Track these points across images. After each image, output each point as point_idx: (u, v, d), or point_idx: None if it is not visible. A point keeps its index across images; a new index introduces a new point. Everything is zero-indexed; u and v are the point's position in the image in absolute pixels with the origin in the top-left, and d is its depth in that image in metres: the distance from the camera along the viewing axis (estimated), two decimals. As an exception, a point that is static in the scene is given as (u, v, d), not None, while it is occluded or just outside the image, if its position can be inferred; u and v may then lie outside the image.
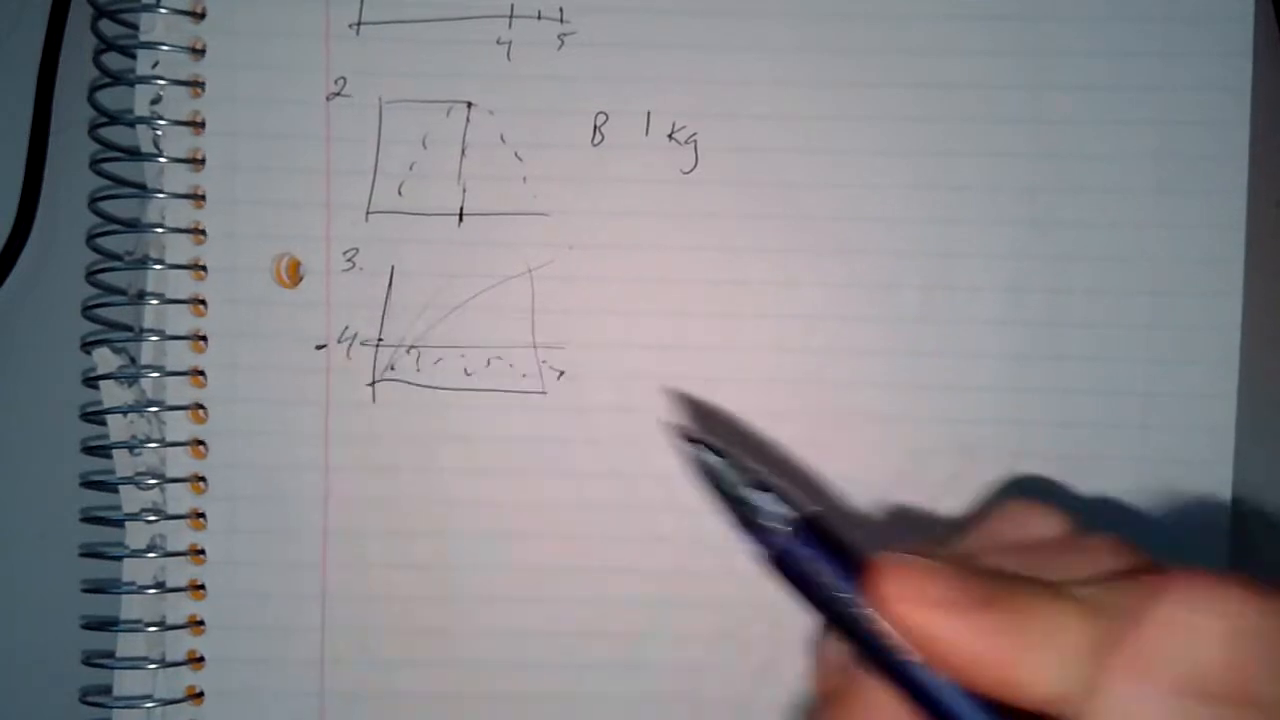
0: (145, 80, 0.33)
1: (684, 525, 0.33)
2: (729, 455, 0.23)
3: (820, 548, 0.22)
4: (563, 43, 0.33)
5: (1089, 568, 0.22)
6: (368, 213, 0.33)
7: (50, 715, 0.34)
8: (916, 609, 0.20)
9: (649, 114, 0.33)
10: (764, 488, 0.22)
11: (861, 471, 0.32)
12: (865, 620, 0.21)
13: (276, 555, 0.33)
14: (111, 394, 0.33)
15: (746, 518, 0.22)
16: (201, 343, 0.33)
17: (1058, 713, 0.20)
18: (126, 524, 0.33)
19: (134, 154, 0.33)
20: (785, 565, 0.22)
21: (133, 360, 0.33)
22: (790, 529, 0.22)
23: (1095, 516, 0.32)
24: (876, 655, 0.21)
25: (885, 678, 0.21)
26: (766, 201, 0.33)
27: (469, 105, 0.33)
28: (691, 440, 0.23)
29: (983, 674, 0.20)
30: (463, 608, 0.33)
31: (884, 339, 0.32)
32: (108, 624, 0.33)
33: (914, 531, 0.32)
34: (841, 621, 0.22)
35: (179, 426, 0.33)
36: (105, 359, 0.33)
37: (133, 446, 0.33)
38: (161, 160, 0.33)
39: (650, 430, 0.33)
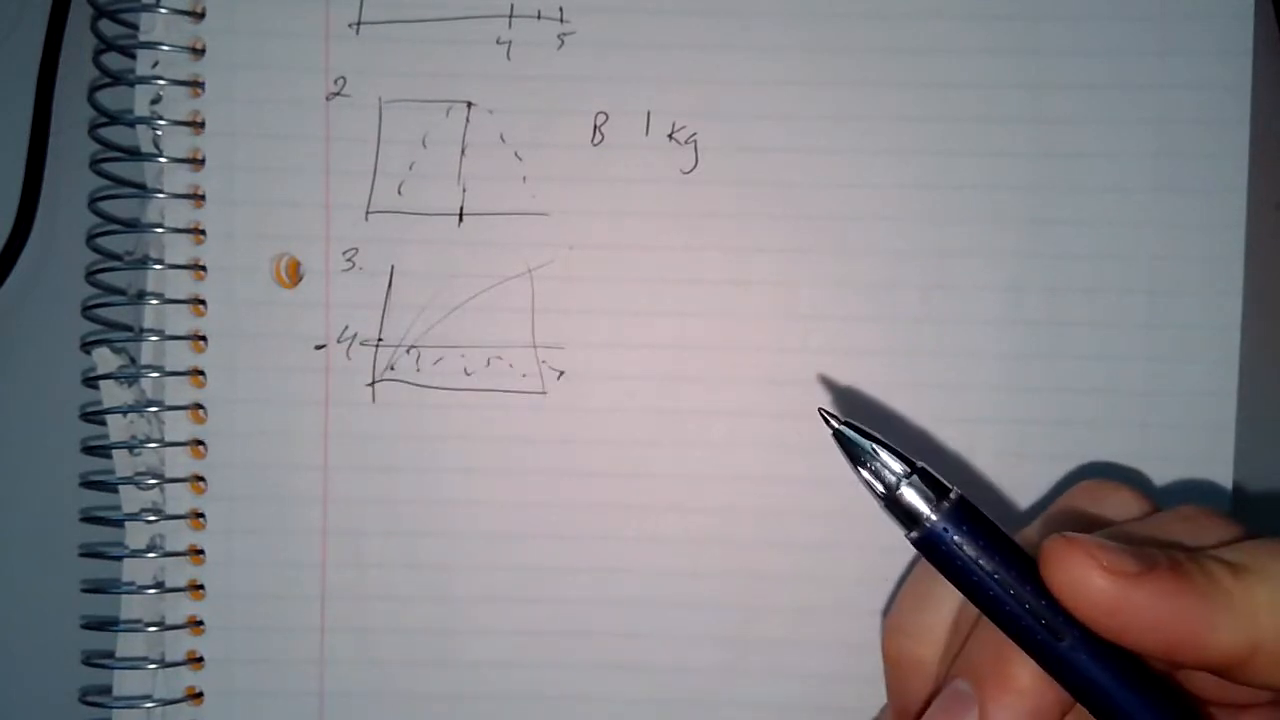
0: (145, 80, 0.33)
1: (684, 525, 0.33)
2: (876, 439, 0.23)
3: (972, 530, 0.22)
4: (563, 43, 0.33)
5: (1202, 535, 0.23)
6: (367, 213, 0.33)
7: (50, 715, 0.34)
8: (1098, 580, 0.21)
9: (649, 114, 0.33)
10: (912, 471, 0.22)
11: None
12: (1020, 600, 0.22)
13: (276, 555, 0.33)
14: (111, 394, 0.33)
15: (895, 501, 0.22)
16: (201, 343, 0.33)
17: (1224, 671, 0.21)
18: (126, 524, 0.33)
19: (134, 154, 0.33)
20: (936, 548, 0.22)
21: (132, 360, 0.33)
22: (940, 512, 0.22)
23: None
24: (1031, 637, 0.22)
25: (1038, 658, 0.22)
26: (766, 201, 0.33)
27: (469, 105, 0.33)
28: (839, 423, 0.23)
29: (1164, 638, 0.21)
30: (463, 608, 0.33)
31: (884, 339, 0.32)
32: (107, 624, 0.33)
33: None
34: (997, 604, 0.22)
35: (178, 426, 0.33)
36: (105, 359, 0.33)
37: (132, 446, 0.33)
38: (161, 160, 0.33)
39: (650, 430, 0.33)
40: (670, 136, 0.33)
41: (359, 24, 0.33)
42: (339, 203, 0.33)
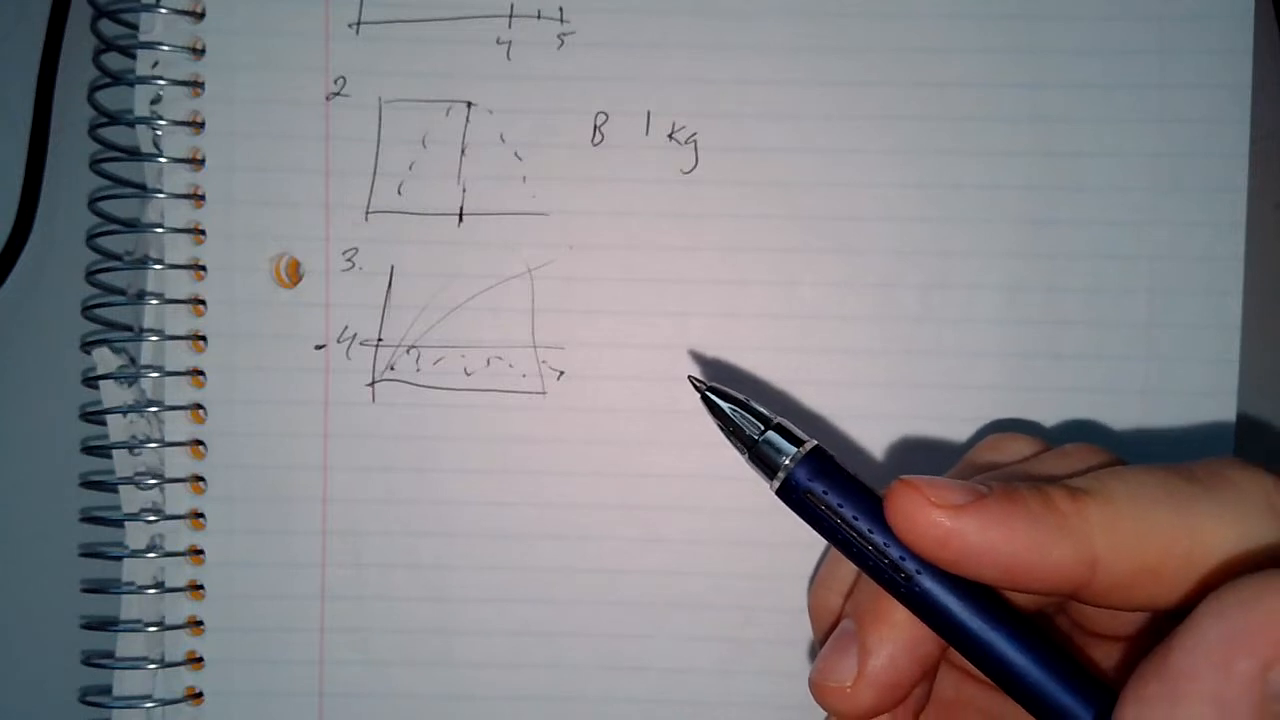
0: (145, 80, 0.33)
1: (684, 525, 0.33)
2: (738, 399, 0.24)
3: (826, 478, 0.23)
4: (563, 43, 0.33)
5: (1073, 468, 0.24)
6: (367, 213, 0.33)
7: (50, 715, 0.34)
8: (932, 516, 0.22)
9: (649, 114, 0.33)
10: (770, 427, 0.24)
11: (860, 471, 0.32)
12: (872, 542, 0.23)
13: (276, 555, 0.33)
14: (111, 394, 0.33)
15: (757, 454, 0.24)
16: (201, 343, 0.33)
17: (1064, 590, 0.22)
18: (126, 524, 0.33)
19: (134, 154, 0.33)
20: (794, 496, 0.23)
21: (132, 360, 0.33)
22: (796, 462, 0.23)
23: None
24: (883, 575, 0.23)
25: (895, 596, 0.23)
26: (766, 201, 0.33)
27: (469, 105, 0.33)
28: (705, 387, 0.25)
29: (998, 564, 0.22)
30: (462, 608, 0.33)
31: (883, 338, 0.32)
32: (107, 624, 0.33)
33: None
34: (849, 546, 0.23)
35: (178, 427, 0.33)
36: (105, 359, 0.33)
37: (132, 446, 0.33)
38: (161, 160, 0.33)
39: (650, 430, 0.33)
40: (670, 136, 0.33)
41: (359, 24, 0.33)
42: (339, 203, 0.33)
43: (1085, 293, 0.32)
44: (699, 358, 0.33)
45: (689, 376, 0.25)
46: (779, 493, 0.24)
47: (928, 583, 0.22)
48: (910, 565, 0.22)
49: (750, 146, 0.32)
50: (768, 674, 0.33)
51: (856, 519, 0.23)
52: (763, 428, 0.24)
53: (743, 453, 0.24)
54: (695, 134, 0.33)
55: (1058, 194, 0.32)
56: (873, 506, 0.23)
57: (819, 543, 0.33)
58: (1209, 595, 0.19)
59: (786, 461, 0.23)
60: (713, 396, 0.24)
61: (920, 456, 0.32)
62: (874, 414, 0.32)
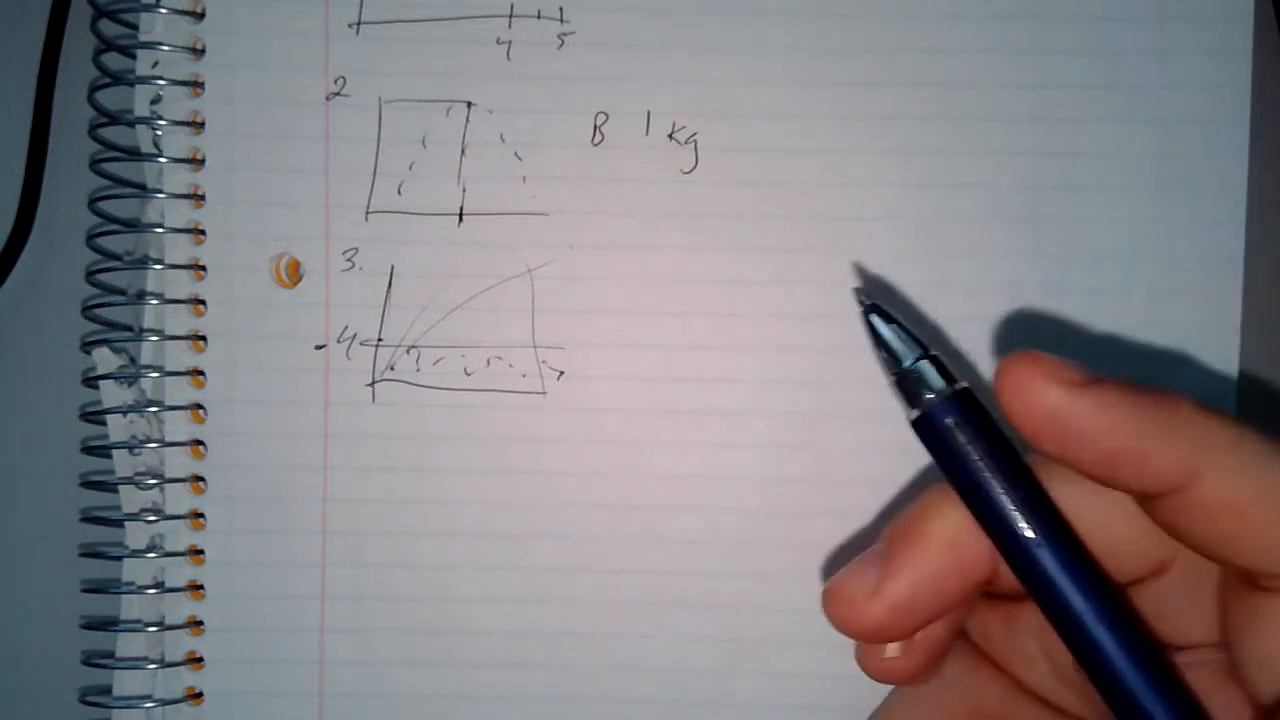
0: (145, 80, 0.33)
1: (684, 526, 0.33)
2: (900, 323, 0.24)
3: (968, 420, 0.23)
4: (563, 42, 0.33)
5: None
6: (367, 213, 0.33)
7: (50, 715, 0.34)
8: (1045, 387, 0.21)
9: (649, 114, 0.33)
10: (926, 357, 0.23)
11: (861, 471, 0.32)
12: (998, 489, 0.22)
13: (276, 556, 0.33)
14: (111, 394, 0.33)
15: (904, 381, 0.23)
16: (201, 343, 0.33)
17: (1164, 497, 0.21)
18: (126, 524, 0.33)
19: (134, 154, 0.33)
20: (929, 430, 0.23)
21: (132, 360, 0.33)
22: (940, 398, 0.23)
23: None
24: (1003, 526, 0.22)
25: (1009, 553, 0.22)
26: (766, 201, 0.33)
27: (469, 105, 0.33)
28: (868, 305, 0.24)
29: (1106, 450, 0.21)
30: (462, 608, 0.33)
31: (884, 338, 0.32)
32: (108, 624, 0.33)
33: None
34: (974, 493, 0.23)
35: (178, 427, 0.33)
36: (105, 359, 0.33)
37: (132, 446, 0.33)
38: (161, 160, 0.33)
39: (650, 430, 0.33)
40: (670, 136, 0.33)
41: (359, 24, 0.33)
42: (339, 203, 0.33)
43: (1085, 293, 0.32)
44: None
45: (854, 288, 0.25)
46: (915, 423, 0.23)
47: (1046, 553, 0.22)
48: (1031, 531, 0.22)
49: (750, 146, 0.32)
50: (768, 674, 0.33)
51: (990, 469, 0.22)
52: (916, 355, 0.23)
53: (891, 375, 0.24)
54: (695, 134, 0.33)
55: (1058, 194, 0.32)
56: (1013, 462, 0.23)
57: (819, 543, 0.33)
58: None
59: (930, 396, 0.23)
60: (874, 317, 0.24)
61: (922, 457, 0.32)
62: (874, 414, 0.32)
